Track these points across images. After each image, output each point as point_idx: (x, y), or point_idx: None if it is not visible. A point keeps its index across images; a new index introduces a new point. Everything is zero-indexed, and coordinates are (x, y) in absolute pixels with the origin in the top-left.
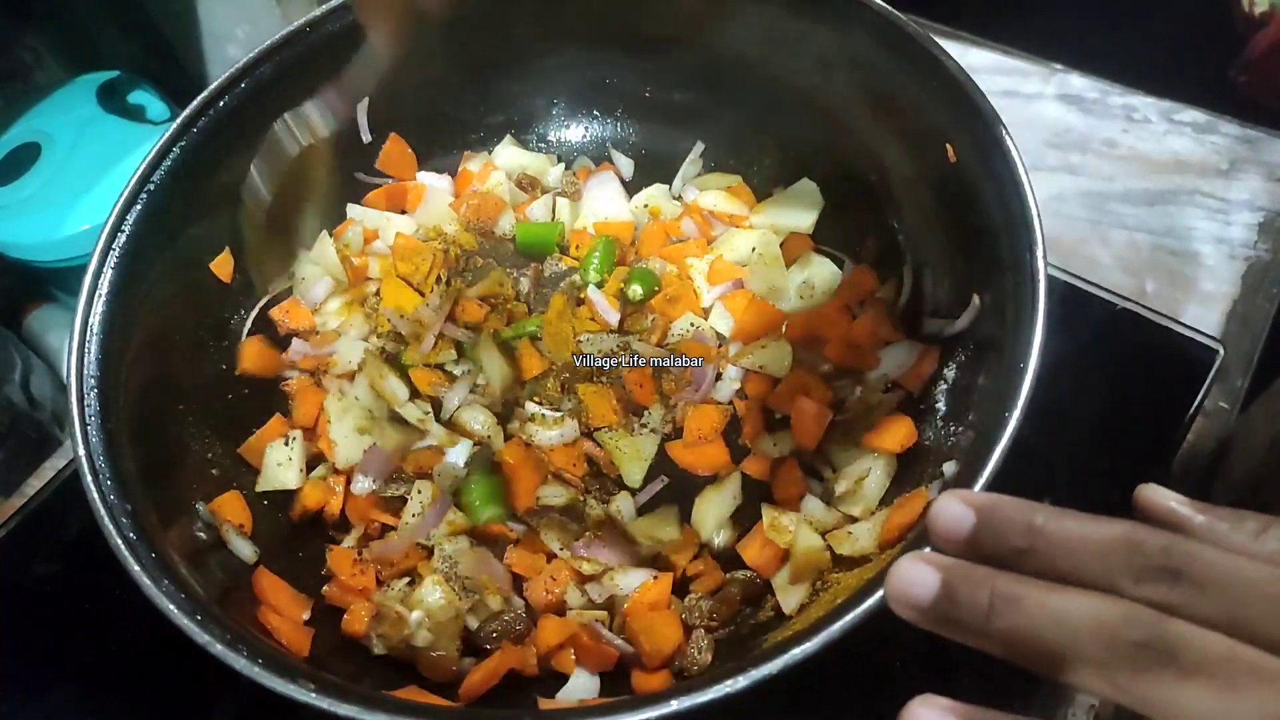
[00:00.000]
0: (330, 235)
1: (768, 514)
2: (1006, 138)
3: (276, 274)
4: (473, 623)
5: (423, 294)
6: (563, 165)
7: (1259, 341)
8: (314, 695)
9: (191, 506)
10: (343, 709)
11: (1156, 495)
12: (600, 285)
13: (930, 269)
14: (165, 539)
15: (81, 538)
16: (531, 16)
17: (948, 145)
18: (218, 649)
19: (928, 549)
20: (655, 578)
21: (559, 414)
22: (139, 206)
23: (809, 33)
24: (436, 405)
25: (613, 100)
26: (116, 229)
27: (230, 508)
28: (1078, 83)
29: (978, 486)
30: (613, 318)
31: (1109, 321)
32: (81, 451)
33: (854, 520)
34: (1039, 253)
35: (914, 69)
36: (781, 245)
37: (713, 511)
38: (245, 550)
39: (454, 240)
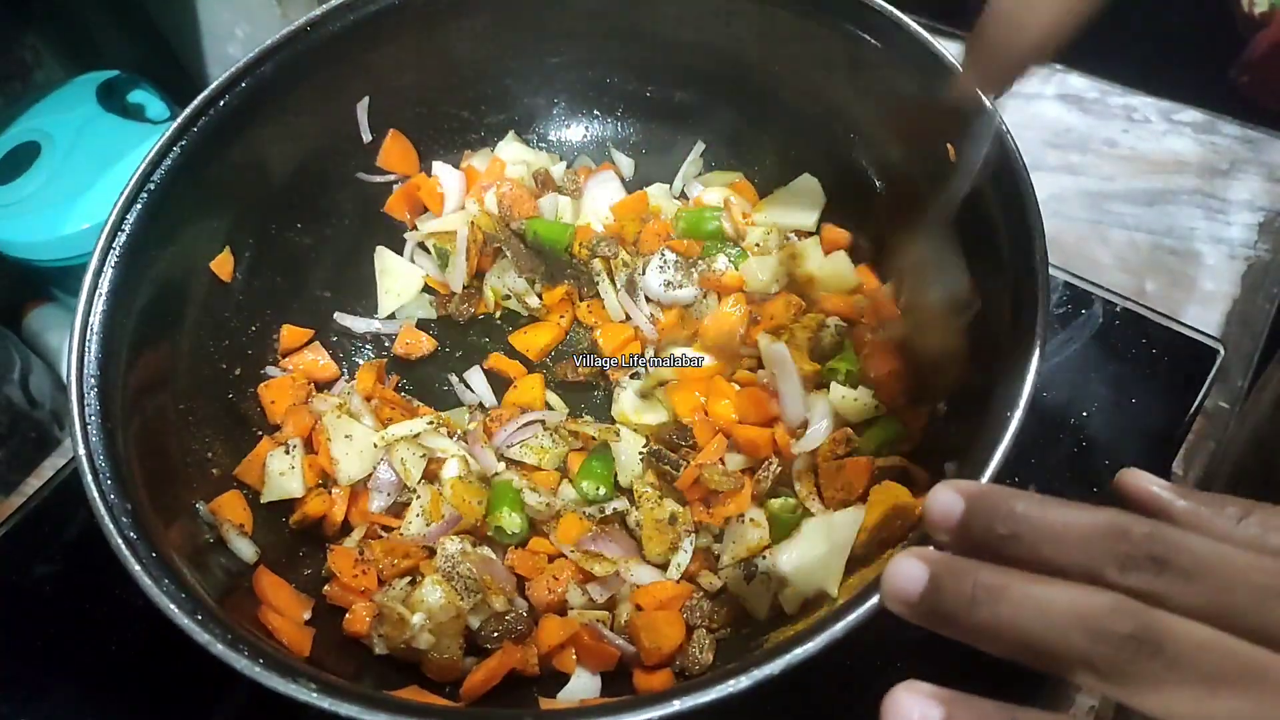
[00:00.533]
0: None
1: None
2: (1007, 137)
3: None
4: (474, 622)
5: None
6: (564, 164)
7: (1259, 341)
8: (315, 695)
9: (191, 506)
10: (344, 709)
11: (1138, 480)
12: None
13: None
14: (165, 539)
15: (81, 538)
16: (532, 16)
17: (948, 145)
18: (218, 649)
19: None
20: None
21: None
22: (139, 206)
23: (809, 32)
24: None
25: (613, 100)
26: (117, 228)
27: (230, 508)
28: (1078, 83)
29: None
30: None
31: (1109, 321)
32: (81, 451)
33: None
34: (1039, 253)
35: (914, 69)
36: (820, 237)
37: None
38: (246, 550)
39: (479, 226)
